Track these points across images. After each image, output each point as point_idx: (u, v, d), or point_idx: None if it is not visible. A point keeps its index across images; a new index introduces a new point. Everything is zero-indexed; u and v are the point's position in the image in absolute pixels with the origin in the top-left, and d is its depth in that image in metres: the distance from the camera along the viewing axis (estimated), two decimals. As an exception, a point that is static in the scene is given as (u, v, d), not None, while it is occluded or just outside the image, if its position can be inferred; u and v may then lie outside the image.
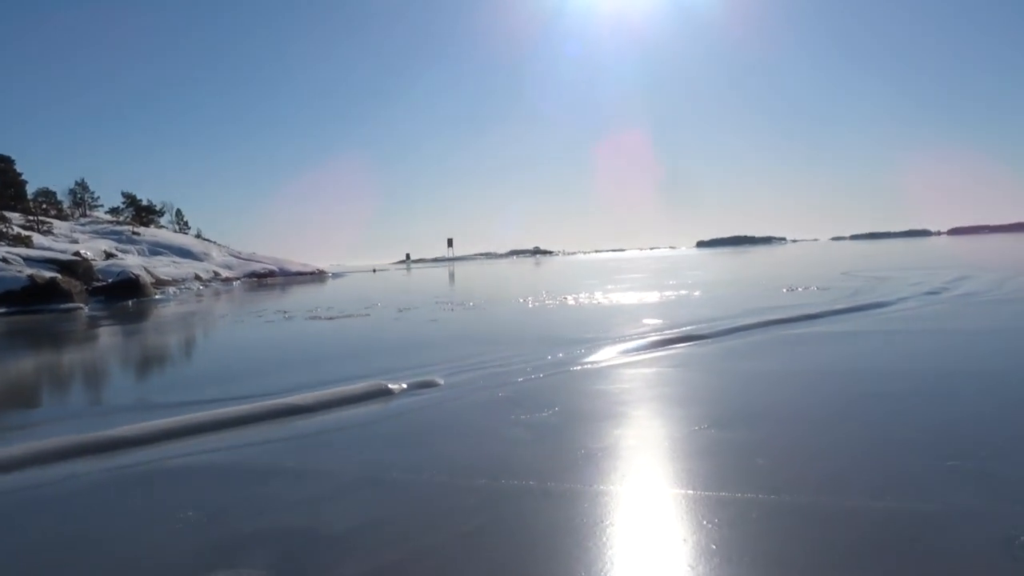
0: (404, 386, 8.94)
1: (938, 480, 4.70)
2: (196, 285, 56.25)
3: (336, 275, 79.25)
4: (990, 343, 10.70)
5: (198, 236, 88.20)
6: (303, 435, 6.97)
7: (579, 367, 9.90)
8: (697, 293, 23.56)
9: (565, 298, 24.01)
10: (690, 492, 4.74)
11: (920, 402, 6.93)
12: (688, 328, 13.47)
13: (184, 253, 68.40)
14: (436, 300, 26.45)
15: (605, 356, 10.79)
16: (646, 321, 15.26)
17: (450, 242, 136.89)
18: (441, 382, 9.13)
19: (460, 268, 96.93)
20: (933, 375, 8.38)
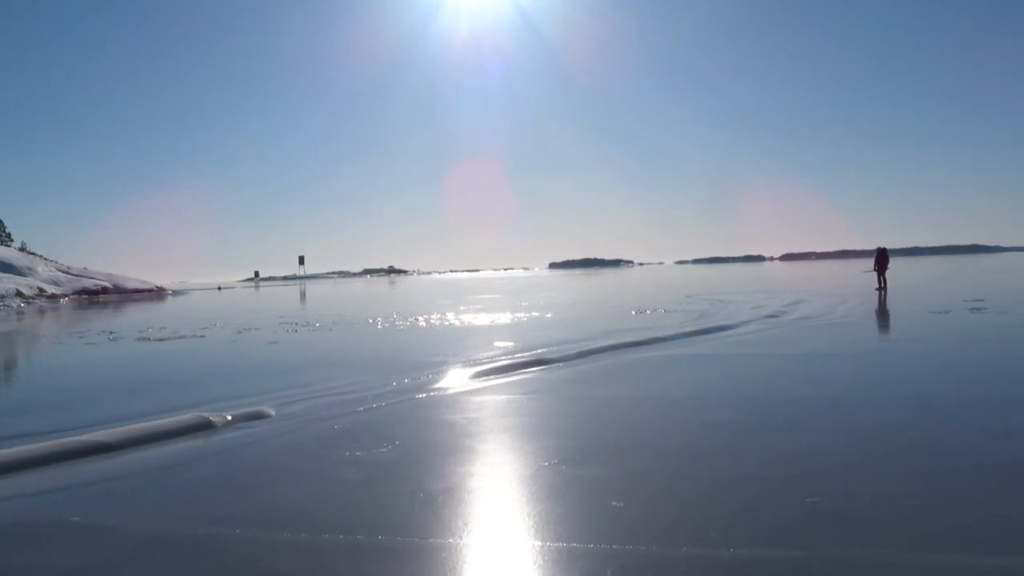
0: (229, 418, 8.02)
1: (800, 523, 4.41)
2: (17, 302, 51.58)
3: (177, 293, 74.78)
4: (831, 368, 10.93)
5: (22, 249, 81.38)
6: (101, 480, 5.98)
7: (425, 394, 9.28)
8: (549, 315, 23.48)
9: (417, 319, 23.33)
10: (538, 544, 4.22)
11: (770, 433, 6.76)
12: (540, 351, 13.14)
13: (5, 267, 62.73)
14: (281, 320, 25.10)
15: (453, 382, 10.22)
16: (498, 344, 14.84)
17: (301, 260, 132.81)
18: (272, 413, 8.27)
19: (312, 286, 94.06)
20: (781, 402, 8.33)
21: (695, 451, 6.20)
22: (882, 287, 28.50)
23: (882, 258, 29.67)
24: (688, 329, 16.32)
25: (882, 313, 19.97)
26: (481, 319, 22.45)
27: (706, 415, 7.56)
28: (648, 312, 22.80)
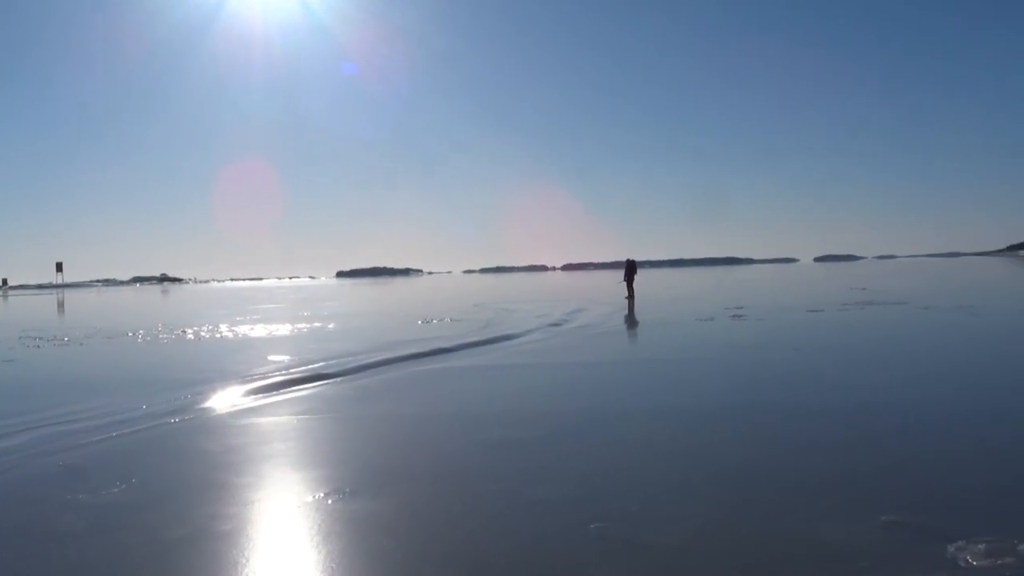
0: (-81, 459, 6.58)
1: (583, 551, 4.08)
2: None
3: None
4: (611, 377, 11.05)
5: None
6: None
7: (179, 419, 8.21)
8: (332, 325, 22.49)
9: (185, 331, 21.45)
10: (292, 603, 3.57)
11: (557, 450, 6.49)
12: (318, 365, 12.30)
13: None
14: (23, 334, 22.16)
15: (216, 403, 9.19)
16: (272, 358, 13.79)
17: (59, 266, 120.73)
18: (-19, 449, 6.91)
19: (72, 296, 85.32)
20: (568, 415, 8.16)
21: (478, 475, 5.78)
22: (630, 295, 30.28)
23: (630, 270, 31.66)
24: (474, 339, 16.10)
25: (658, 321, 20.88)
26: (257, 331, 21.03)
27: (491, 432, 7.19)
28: (435, 321, 22.45)
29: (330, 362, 12.71)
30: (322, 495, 5.23)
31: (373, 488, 5.38)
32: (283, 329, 21.43)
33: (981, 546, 3.83)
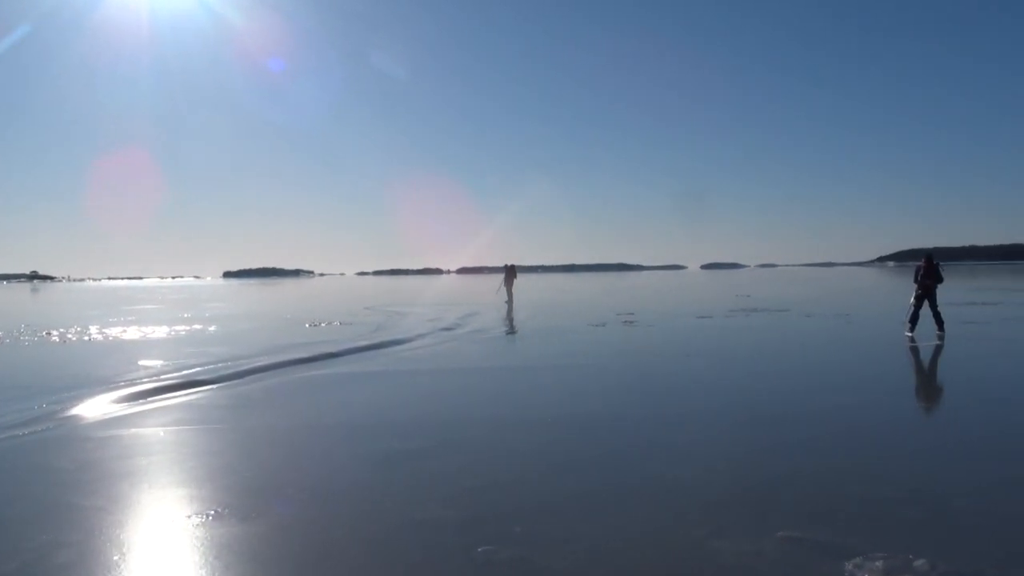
0: None
1: (471, 578, 3.76)
2: None
3: None
4: (504, 383, 10.79)
5: None
6: None
7: (29, 432, 7.42)
8: (213, 328, 21.41)
9: (50, 334, 19.95)
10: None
11: (441, 464, 6.15)
12: (193, 371, 11.55)
13: None
14: None
15: (74, 413, 8.40)
16: (144, 363, 12.88)
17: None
18: None
19: (-77, 294, 79.08)
20: (459, 425, 7.84)
21: (361, 493, 5.37)
22: (509, 300, 30.43)
23: (510, 274, 31.94)
24: (362, 343, 15.56)
25: (552, 327, 20.80)
26: (131, 334, 19.77)
27: (377, 444, 6.78)
28: (323, 325, 21.71)
29: (207, 367, 11.97)
30: (184, 517, 4.72)
31: (244, 509, 4.90)
32: (159, 332, 20.23)
33: (879, 563, 3.72)
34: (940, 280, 15.73)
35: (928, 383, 10.76)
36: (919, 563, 3.71)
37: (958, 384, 10.34)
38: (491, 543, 4.17)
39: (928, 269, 15.74)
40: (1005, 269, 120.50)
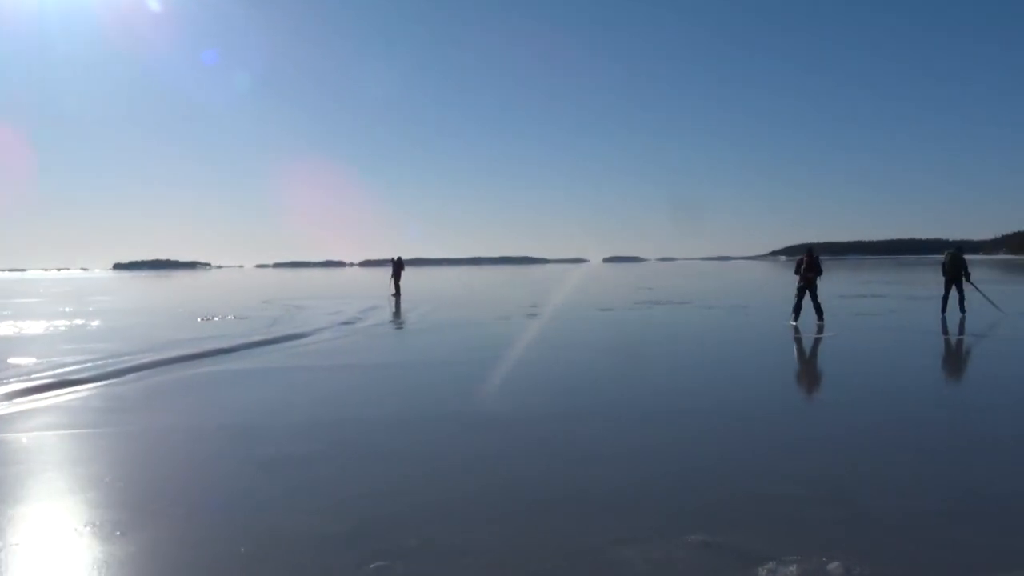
0: None
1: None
2: None
3: None
4: (404, 380, 10.42)
5: None
6: None
7: None
8: (97, 323, 20.16)
9: (-92, 330, 18.32)
10: None
11: (330, 469, 5.75)
12: (69, 369, 10.70)
13: None
14: None
15: (-77, 419, 7.57)
16: (14, 360, 11.89)
17: None
18: None
19: None
20: (353, 425, 7.43)
21: (241, 504, 4.92)
22: (397, 293, 30.12)
23: (397, 268, 31.66)
24: (257, 338, 14.85)
25: (456, 320, 20.45)
26: (2, 329, 18.39)
27: (264, 449, 6.30)
28: (216, 319, 20.73)
29: (84, 365, 11.13)
30: (41, 538, 4.19)
31: (109, 526, 4.38)
32: (35, 327, 18.88)
33: (792, 567, 3.57)
34: (820, 272, 16.40)
35: (832, 376, 10.95)
36: (833, 566, 3.57)
37: (863, 376, 10.51)
38: (385, 558, 3.83)
39: (809, 262, 16.34)
40: (889, 263, 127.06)
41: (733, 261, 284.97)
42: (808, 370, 11.33)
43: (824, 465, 5.67)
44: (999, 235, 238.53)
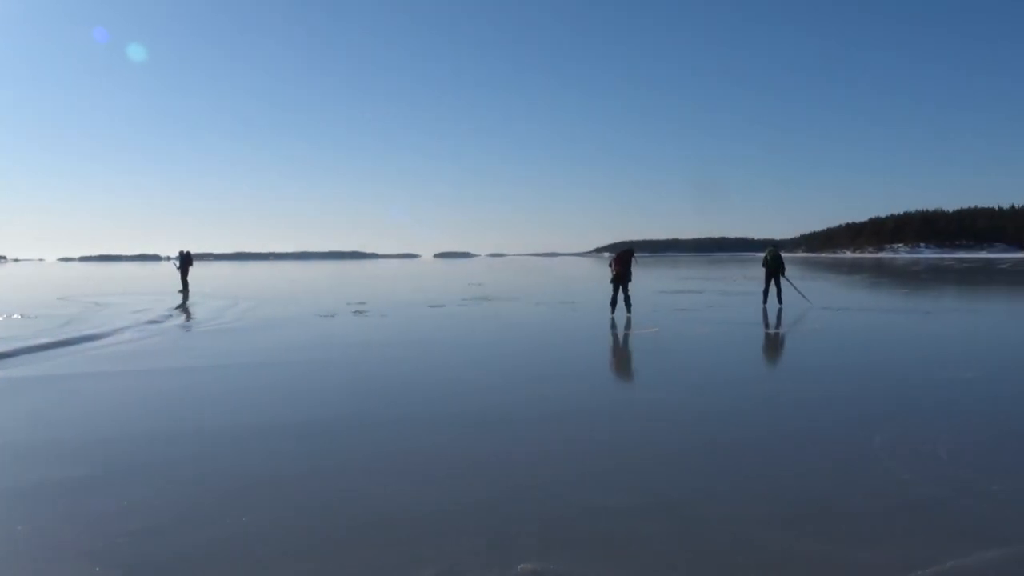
0: None
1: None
2: None
3: None
4: (211, 387, 9.48)
5: None
6: None
7: None
8: None
9: None
10: None
11: (108, 496, 4.93)
12: None
13: None
14: None
15: None
16: None
17: None
18: None
19: None
20: (143, 442, 6.53)
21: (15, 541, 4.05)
22: (184, 288, 29.26)
23: (185, 263, 30.93)
24: (44, 340, 13.20)
25: (277, 318, 19.27)
26: None
27: (30, 472, 5.35)
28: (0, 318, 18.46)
29: None
30: None
31: None
32: None
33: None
34: (630, 269, 17.71)
35: (657, 372, 11.01)
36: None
37: (686, 371, 10.63)
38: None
39: (622, 259, 17.68)
40: (703, 259, 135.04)
41: (561, 257, 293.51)
42: (630, 366, 11.38)
43: (651, 469, 5.48)
44: (799, 234, 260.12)
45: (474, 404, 7.94)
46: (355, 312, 19.67)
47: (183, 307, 22.53)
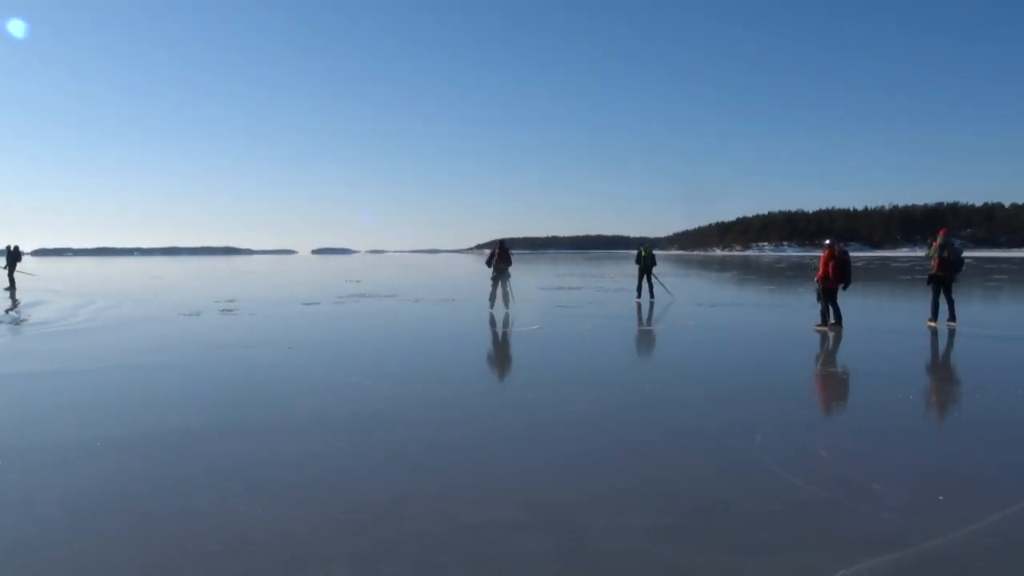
0: None
1: None
2: None
3: None
4: (49, 394, 8.56)
5: None
6: None
7: None
8: None
9: None
10: None
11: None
12: None
13: None
14: None
15: None
16: None
17: None
18: None
19: None
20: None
21: None
22: (11, 287, 27.29)
23: (13, 258, 28.67)
24: None
25: (134, 317, 17.94)
26: None
27: None
28: None
29: None
30: None
31: None
32: None
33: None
34: (510, 263, 18.33)
35: (535, 369, 10.75)
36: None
37: (561, 367, 10.42)
38: None
39: (501, 254, 18.14)
40: (581, 256, 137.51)
41: (443, 254, 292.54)
42: (511, 365, 11.11)
43: (533, 478, 5.18)
44: (672, 233, 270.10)
45: (343, 410, 7.43)
46: (223, 311, 18.62)
47: (13, 306, 20.73)
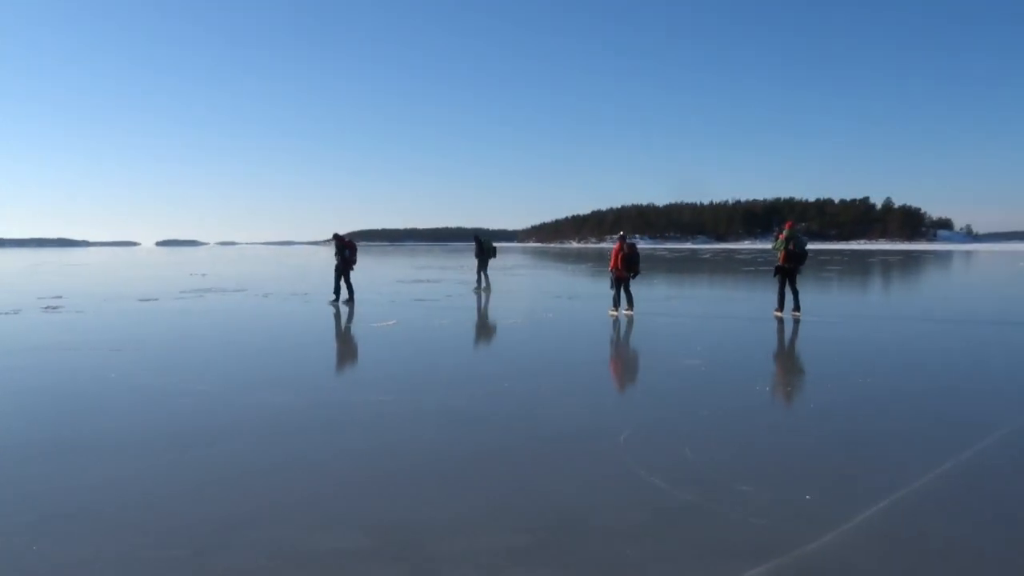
0: None
1: None
2: None
3: None
4: None
5: None
6: None
7: None
8: None
9: None
10: None
11: None
12: None
13: None
14: None
15: None
16: None
17: None
18: None
19: None
20: None
21: None
22: None
23: None
24: None
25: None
26: None
27: None
28: None
29: None
30: None
31: None
32: None
33: None
34: (355, 252, 18.75)
35: (379, 368, 10.25)
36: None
37: (404, 364, 9.98)
38: None
39: (347, 245, 18.42)
40: (440, 248, 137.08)
41: (297, 246, 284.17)
42: (362, 364, 10.58)
43: (377, 492, 4.75)
44: (530, 225, 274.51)
45: (166, 423, 6.70)
46: (46, 308, 16.96)
47: None
